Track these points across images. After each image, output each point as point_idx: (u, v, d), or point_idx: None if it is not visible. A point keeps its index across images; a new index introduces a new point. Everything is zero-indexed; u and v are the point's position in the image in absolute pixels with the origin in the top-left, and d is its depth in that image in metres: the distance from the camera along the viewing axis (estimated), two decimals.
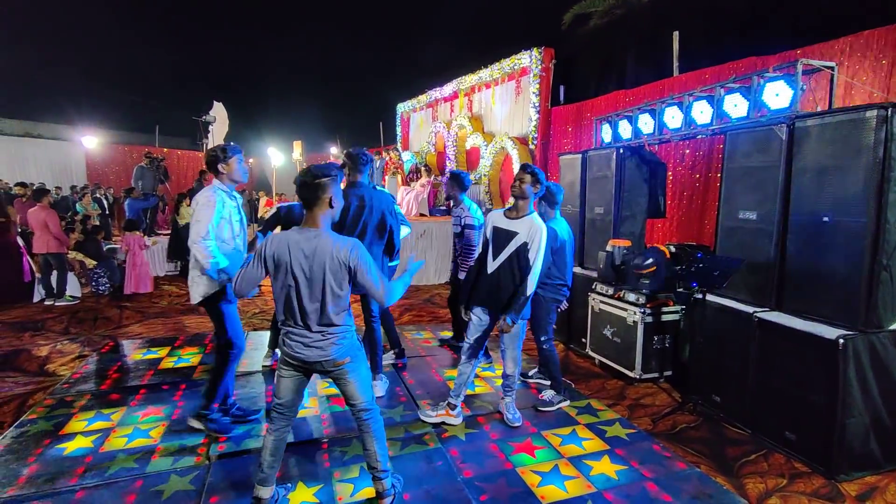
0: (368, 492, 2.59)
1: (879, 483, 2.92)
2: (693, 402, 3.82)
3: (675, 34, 7.12)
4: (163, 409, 3.53)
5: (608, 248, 4.79)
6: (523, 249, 3.10)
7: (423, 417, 3.39)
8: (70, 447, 3.02)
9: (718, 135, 4.31)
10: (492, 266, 3.21)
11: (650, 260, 4.31)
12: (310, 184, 2.22)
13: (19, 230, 7.39)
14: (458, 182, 4.49)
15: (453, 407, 3.37)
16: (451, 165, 11.78)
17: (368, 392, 2.42)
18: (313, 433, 3.23)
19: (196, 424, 3.18)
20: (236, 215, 3.13)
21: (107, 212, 12.54)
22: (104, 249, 8.24)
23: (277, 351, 4.39)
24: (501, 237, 3.18)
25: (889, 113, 2.80)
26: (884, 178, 2.84)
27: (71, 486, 2.63)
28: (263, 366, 4.37)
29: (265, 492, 2.39)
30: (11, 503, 2.48)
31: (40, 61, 22.48)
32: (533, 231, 3.10)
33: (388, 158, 10.61)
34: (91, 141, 17.24)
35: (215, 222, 2.95)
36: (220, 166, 3.07)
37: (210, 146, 10.93)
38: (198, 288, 3.01)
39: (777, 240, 3.41)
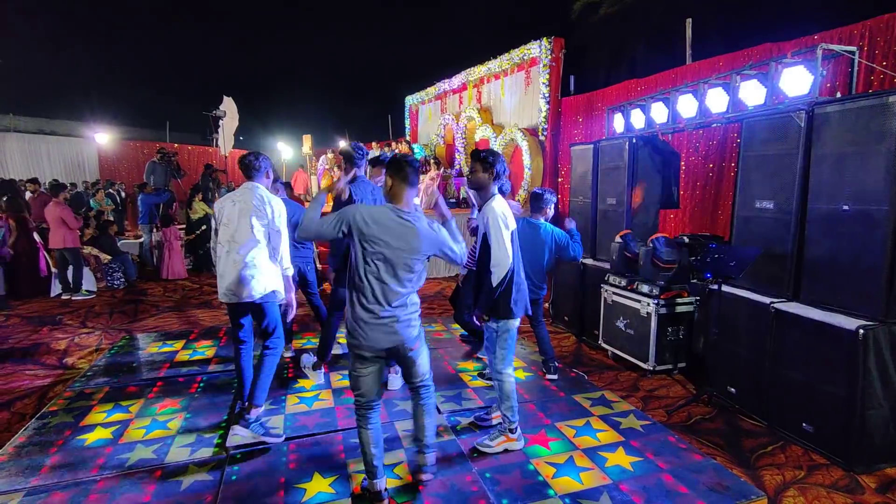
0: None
1: None
2: (708, 393, 3.79)
3: (689, 21, 7.00)
4: (179, 402, 3.58)
5: (617, 239, 4.74)
6: (484, 240, 2.85)
7: (480, 448, 2.94)
8: (90, 438, 3.07)
9: (734, 123, 4.24)
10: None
11: (673, 257, 4.25)
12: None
13: (36, 226, 7.50)
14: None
15: (513, 431, 3.00)
16: (459, 158, 11.72)
17: (428, 366, 2.53)
18: (328, 425, 3.25)
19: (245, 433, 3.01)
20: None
21: (120, 207, 12.68)
22: (118, 244, 8.36)
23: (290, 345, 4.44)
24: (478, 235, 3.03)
25: None
26: None
27: (92, 476, 2.67)
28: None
29: (380, 483, 2.43)
30: (35, 493, 2.53)
31: (54, 59, 22.72)
32: (484, 217, 2.83)
33: (397, 151, 10.60)
34: (103, 137, 17.41)
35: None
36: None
37: (219, 141, 10.99)
38: (270, 283, 3.09)
39: (795, 229, 3.35)
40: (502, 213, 2.80)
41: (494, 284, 2.78)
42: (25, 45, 20.35)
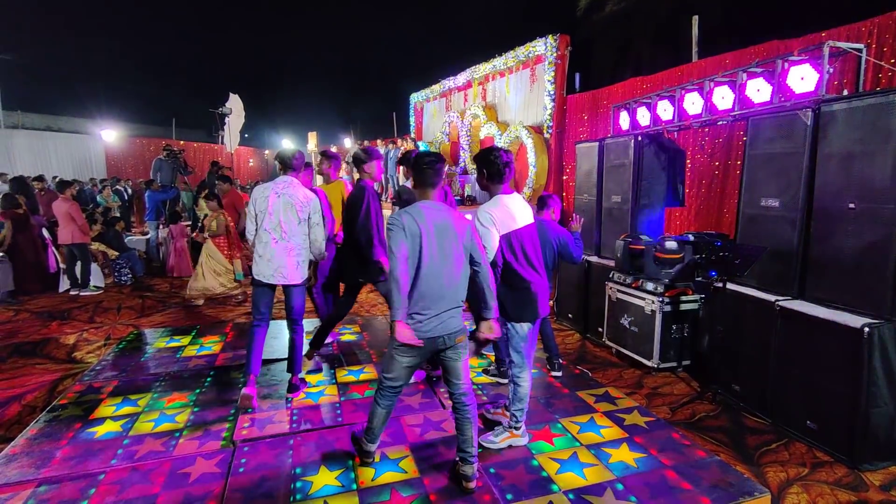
0: (388, 476, 2.65)
1: None
2: (712, 391, 3.80)
3: (695, 19, 6.97)
4: (187, 396, 3.62)
5: (622, 240, 4.74)
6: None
7: (485, 444, 2.95)
8: (100, 431, 3.11)
9: (740, 121, 4.23)
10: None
11: (675, 245, 4.26)
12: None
13: (44, 223, 7.56)
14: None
15: (518, 428, 3.02)
16: (464, 155, 11.73)
17: (468, 374, 2.63)
18: (334, 420, 3.28)
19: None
20: None
21: (127, 204, 12.76)
22: (125, 240, 8.43)
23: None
24: None
25: None
26: None
27: (103, 468, 2.71)
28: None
29: (374, 446, 2.73)
30: (47, 483, 2.57)
31: (61, 56, 22.86)
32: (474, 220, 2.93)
33: (403, 148, 10.61)
34: (110, 134, 17.53)
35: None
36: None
37: (225, 138, 11.04)
38: (307, 270, 3.57)
39: (800, 227, 3.36)
40: (486, 216, 2.75)
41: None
42: (33, 42, 20.48)
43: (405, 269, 2.38)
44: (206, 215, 9.39)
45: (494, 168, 2.80)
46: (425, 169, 2.53)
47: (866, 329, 2.83)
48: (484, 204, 2.87)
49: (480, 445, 2.90)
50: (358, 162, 3.78)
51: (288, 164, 3.53)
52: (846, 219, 3.06)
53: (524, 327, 2.87)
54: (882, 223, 2.88)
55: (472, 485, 2.52)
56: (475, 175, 3.98)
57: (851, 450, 2.95)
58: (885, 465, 2.93)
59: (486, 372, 4.10)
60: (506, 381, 3.67)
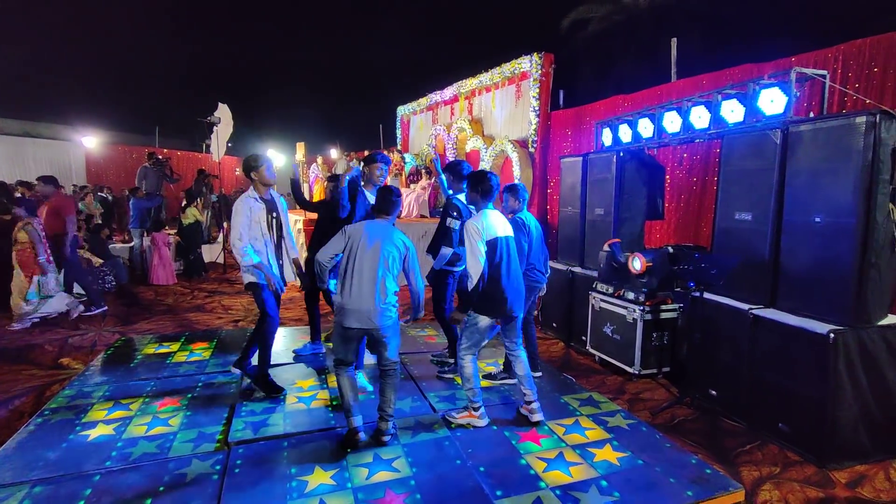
0: (382, 475, 2.73)
1: (868, 472, 3.06)
2: (691, 396, 3.96)
3: (674, 41, 7.30)
4: (179, 400, 3.64)
5: (605, 248, 4.93)
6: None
7: (448, 418, 3.40)
8: (93, 434, 3.12)
9: (716, 139, 4.46)
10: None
11: (638, 264, 4.46)
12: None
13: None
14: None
15: (476, 409, 3.35)
16: None
17: (396, 354, 3.13)
18: (326, 423, 3.35)
19: (236, 370, 3.93)
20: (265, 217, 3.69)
21: (111, 211, 12.61)
22: (109, 248, 8.35)
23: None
24: None
25: (877, 119, 2.97)
26: (873, 180, 3.00)
27: (98, 469, 2.74)
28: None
29: (356, 420, 3.05)
30: (42, 484, 2.59)
31: (40, 61, 22.54)
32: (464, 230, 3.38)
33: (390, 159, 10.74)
34: (91, 141, 17.29)
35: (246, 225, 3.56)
36: (251, 174, 3.68)
37: (213, 147, 11.03)
38: (246, 277, 3.63)
39: (771, 240, 3.56)
40: (477, 226, 3.16)
41: (470, 289, 3.17)
42: (10, 45, 20.17)
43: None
44: (188, 224, 9.40)
45: (487, 187, 3.33)
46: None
47: (832, 335, 3.03)
48: (472, 217, 3.34)
49: (445, 419, 3.40)
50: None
51: (249, 170, 3.69)
52: (813, 232, 3.28)
53: (485, 320, 3.27)
54: (845, 236, 3.10)
55: (387, 438, 3.05)
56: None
57: (820, 450, 3.12)
58: (850, 465, 3.10)
59: (490, 377, 4.13)
60: (514, 381, 3.87)
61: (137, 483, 2.63)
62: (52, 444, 2.98)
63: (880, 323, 3.25)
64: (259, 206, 3.64)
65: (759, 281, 3.65)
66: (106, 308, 6.39)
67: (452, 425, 3.31)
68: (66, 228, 6.18)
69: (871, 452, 3.17)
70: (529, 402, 3.40)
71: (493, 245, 3.17)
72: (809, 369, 3.17)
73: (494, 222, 3.24)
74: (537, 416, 3.38)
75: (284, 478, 2.70)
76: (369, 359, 3.99)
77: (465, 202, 3.97)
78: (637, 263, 4.48)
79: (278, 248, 3.80)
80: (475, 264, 3.13)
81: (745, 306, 3.64)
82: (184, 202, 9.33)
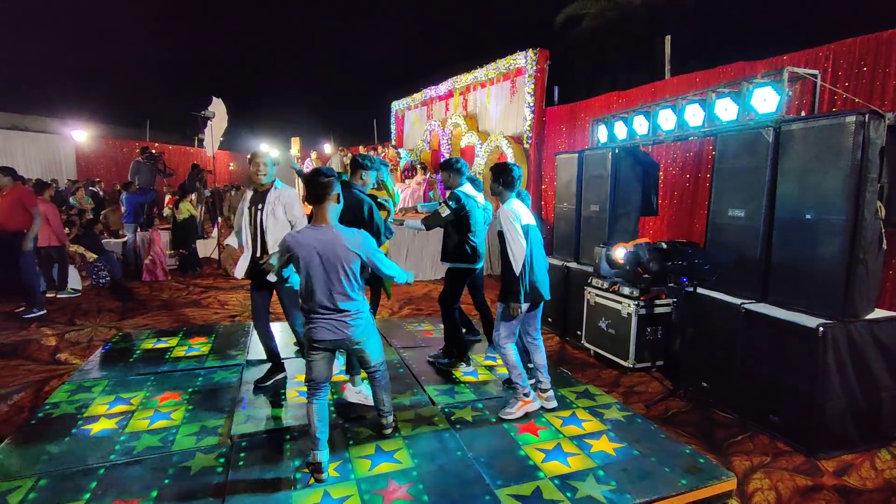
0: (385, 466, 2.78)
1: (855, 461, 3.16)
2: (684, 388, 4.05)
3: (668, 38, 7.37)
4: (180, 394, 3.67)
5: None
6: (503, 237, 3.35)
7: (503, 417, 3.38)
8: (95, 428, 3.15)
9: (709, 137, 4.54)
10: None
11: (621, 253, 4.58)
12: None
13: None
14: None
15: (527, 395, 3.45)
16: None
17: (378, 356, 3.00)
18: (329, 417, 3.39)
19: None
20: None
21: (103, 205, 12.50)
22: (102, 242, 8.31)
23: None
24: None
25: (867, 118, 3.04)
26: (861, 178, 3.08)
27: (102, 462, 2.77)
28: None
29: (320, 455, 2.72)
30: (46, 477, 2.62)
31: (28, 53, 22.22)
32: (498, 218, 3.42)
33: (383, 155, 10.75)
34: (81, 135, 17.10)
35: None
36: None
37: (206, 142, 10.97)
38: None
39: (763, 236, 3.64)
40: (511, 211, 3.27)
41: (518, 275, 3.23)
42: None
43: None
44: (183, 219, 9.36)
45: (510, 178, 3.42)
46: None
47: (821, 329, 3.11)
48: (504, 205, 3.39)
49: (500, 419, 3.38)
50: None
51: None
52: (803, 228, 3.36)
53: (524, 307, 3.33)
54: (834, 232, 3.18)
55: (388, 431, 3.14)
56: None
57: (809, 440, 3.21)
58: (838, 454, 3.20)
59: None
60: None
61: (142, 476, 2.67)
62: (55, 438, 3.00)
63: (867, 317, 3.34)
64: (246, 199, 3.77)
65: (750, 276, 3.73)
66: (44, 312, 6.05)
67: (507, 423, 3.34)
68: (30, 223, 5.89)
69: (857, 442, 3.27)
70: (545, 391, 3.55)
71: (524, 232, 3.27)
72: (799, 362, 3.26)
73: (521, 211, 3.33)
74: (552, 403, 3.53)
75: (289, 469, 2.75)
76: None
77: (466, 193, 4.08)
78: (620, 253, 4.57)
79: (255, 239, 3.67)
80: (518, 247, 3.22)
81: (737, 301, 3.72)
82: (174, 197, 9.26)
